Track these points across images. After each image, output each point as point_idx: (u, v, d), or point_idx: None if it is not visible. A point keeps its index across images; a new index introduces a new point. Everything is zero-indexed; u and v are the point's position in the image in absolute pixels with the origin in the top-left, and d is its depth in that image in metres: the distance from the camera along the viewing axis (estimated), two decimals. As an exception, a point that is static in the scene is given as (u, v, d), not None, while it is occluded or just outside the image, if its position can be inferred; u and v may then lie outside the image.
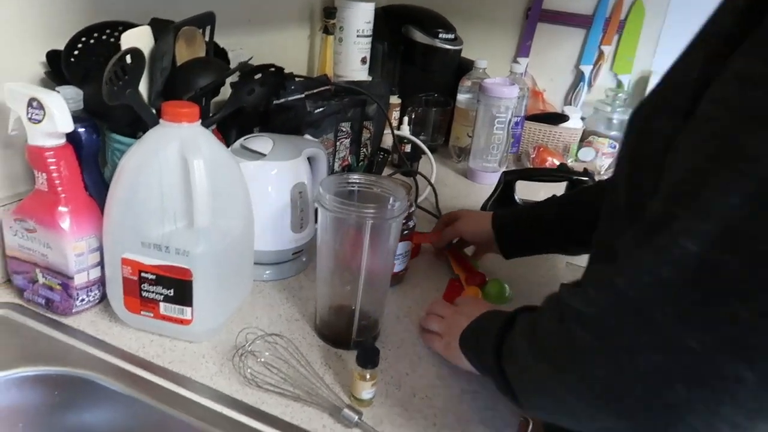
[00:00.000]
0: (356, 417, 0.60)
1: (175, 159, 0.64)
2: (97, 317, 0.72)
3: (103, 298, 0.73)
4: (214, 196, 0.66)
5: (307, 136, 0.91)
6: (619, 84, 1.54)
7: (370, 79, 1.38)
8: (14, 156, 0.74)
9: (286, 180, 0.81)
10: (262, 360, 0.66)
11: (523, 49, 1.59)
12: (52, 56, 0.74)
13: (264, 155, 0.81)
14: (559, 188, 1.09)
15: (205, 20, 0.80)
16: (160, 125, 0.66)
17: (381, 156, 1.25)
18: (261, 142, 0.83)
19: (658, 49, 1.49)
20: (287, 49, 1.30)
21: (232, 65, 0.89)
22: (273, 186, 0.81)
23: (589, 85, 1.57)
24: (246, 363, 0.65)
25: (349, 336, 0.72)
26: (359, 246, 0.68)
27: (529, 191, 1.12)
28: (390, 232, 0.71)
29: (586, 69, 1.55)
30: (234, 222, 0.71)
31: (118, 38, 0.71)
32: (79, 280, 0.70)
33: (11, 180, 0.75)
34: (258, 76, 0.87)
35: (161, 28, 0.75)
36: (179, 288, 0.66)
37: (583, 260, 0.70)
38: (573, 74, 1.58)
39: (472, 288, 0.88)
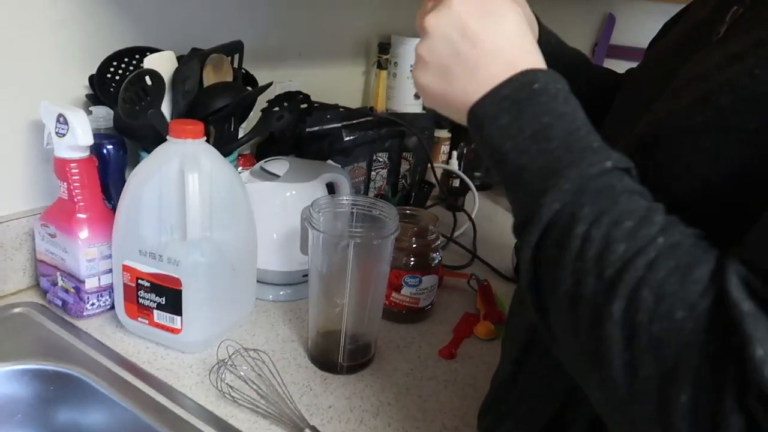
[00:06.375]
0: (315, 439, 0.58)
1: (175, 173, 0.67)
2: (106, 322, 0.76)
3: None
4: (212, 211, 0.69)
5: (330, 162, 0.93)
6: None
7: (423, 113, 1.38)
8: (51, 170, 0.81)
9: (297, 202, 0.83)
10: (241, 374, 0.66)
11: (590, 86, 1.53)
12: (92, 80, 0.81)
13: (278, 176, 0.84)
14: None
15: (233, 48, 0.85)
16: (167, 142, 0.70)
17: (425, 188, 1.25)
18: (278, 164, 0.86)
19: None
20: (341, 83, 1.34)
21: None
22: (283, 207, 0.83)
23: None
24: (222, 376, 0.66)
25: (336, 360, 0.71)
26: (346, 268, 0.67)
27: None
28: (380, 255, 0.70)
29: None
30: (231, 237, 0.73)
31: (145, 62, 0.77)
32: (90, 284, 0.74)
33: (50, 191, 0.82)
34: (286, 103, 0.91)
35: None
36: (170, 297, 0.69)
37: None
38: (645, 113, 1.50)
39: (485, 323, 0.83)
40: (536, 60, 0.42)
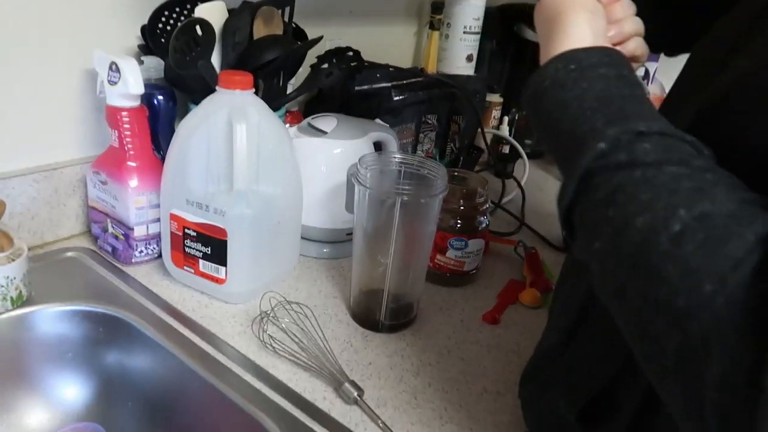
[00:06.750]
0: (355, 393, 0.58)
1: (223, 123, 0.67)
2: (153, 270, 0.78)
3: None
4: (259, 163, 0.69)
5: (378, 121, 0.91)
6: None
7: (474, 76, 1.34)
8: (103, 118, 0.82)
9: (344, 159, 0.81)
10: (283, 326, 0.66)
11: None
12: (144, 30, 0.81)
13: (325, 133, 0.82)
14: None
15: (284, 1, 0.83)
16: (216, 92, 0.69)
17: (474, 153, 1.22)
18: (326, 120, 0.84)
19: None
20: (392, 43, 1.31)
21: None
22: (329, 163, 0.82)
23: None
24: (265, 327, 0.66)
25: (378, 318, 0.70)
26: (392, 226, 0.66)
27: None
28: (427, 215, 0.68)
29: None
30: (277, 190, 0.72)
31: (196, 12, 0.76)
32: (139, 232, 0.75)
33: (102, 140, 0.83)
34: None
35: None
36: (216, 247, 0.69)
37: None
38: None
39: (531, 291, 0.81)
40: (561, 44, 0.42)
